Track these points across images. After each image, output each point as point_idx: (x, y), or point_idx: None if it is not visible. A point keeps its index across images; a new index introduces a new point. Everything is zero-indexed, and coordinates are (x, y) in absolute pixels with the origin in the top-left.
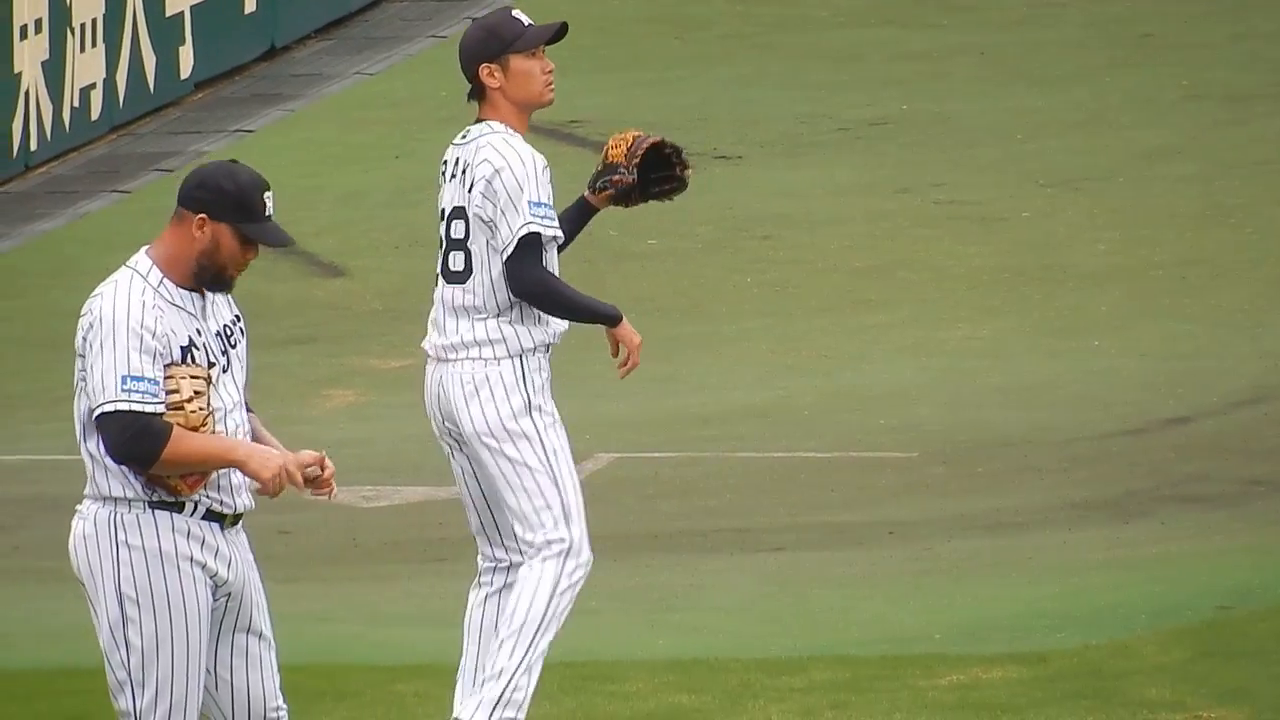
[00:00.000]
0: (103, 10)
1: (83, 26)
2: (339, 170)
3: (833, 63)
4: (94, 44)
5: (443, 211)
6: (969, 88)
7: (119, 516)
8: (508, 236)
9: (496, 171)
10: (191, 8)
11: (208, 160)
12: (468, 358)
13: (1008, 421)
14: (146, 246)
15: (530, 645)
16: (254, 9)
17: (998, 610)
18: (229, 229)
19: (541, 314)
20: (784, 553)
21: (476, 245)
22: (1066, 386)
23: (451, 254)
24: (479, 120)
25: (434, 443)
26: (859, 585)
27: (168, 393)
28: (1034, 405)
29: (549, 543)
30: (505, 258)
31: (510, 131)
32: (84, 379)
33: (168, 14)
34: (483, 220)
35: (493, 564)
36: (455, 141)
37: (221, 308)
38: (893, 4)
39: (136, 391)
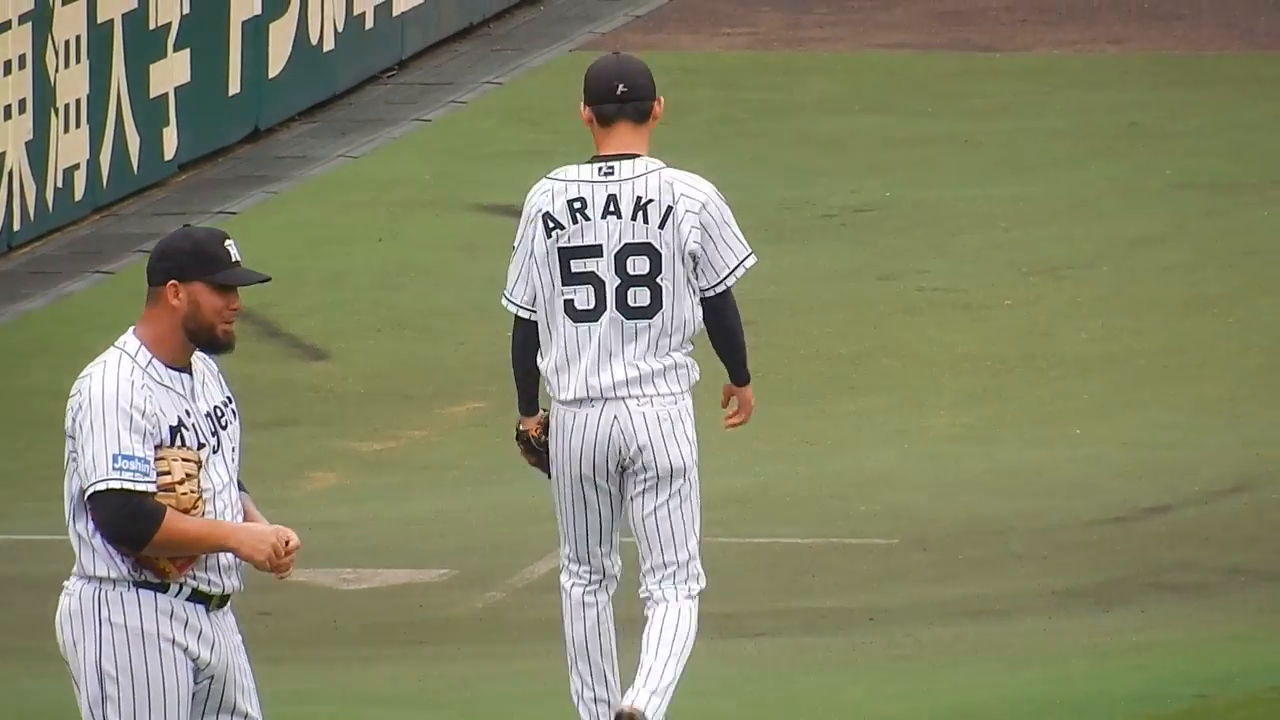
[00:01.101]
0: (87, 91)
1: (67, 107)
2: (323, 252)
3: (817, 149)
4: (78, 124)
5: (591, 248)
6: (953, 175)
7: (103, 594)
8: (724, 268)
9: (703, 205)
10: (176, 89)
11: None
12: (657, 394)
13: (989, 508)
14: (133, 327)
15: (684, 662)
16: (238, 90)
17: (978, 697)
18: (202, 285)
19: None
20: (765, 638)
21: (667, 280)
22: (1048, 474)
23: (632, 290)
24: (622, 155)
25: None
26: (840, 671)
27: (159, 473)
28: (1016, 492)
29: (698, 575)
30: (719, 290)
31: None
32: (74, 459)
33: (152, 95)
34: (683, 254)
35: (600, 579)
36: (582, 179)
37: (212, 389)
38: (877, 91)
39: (129, 470)
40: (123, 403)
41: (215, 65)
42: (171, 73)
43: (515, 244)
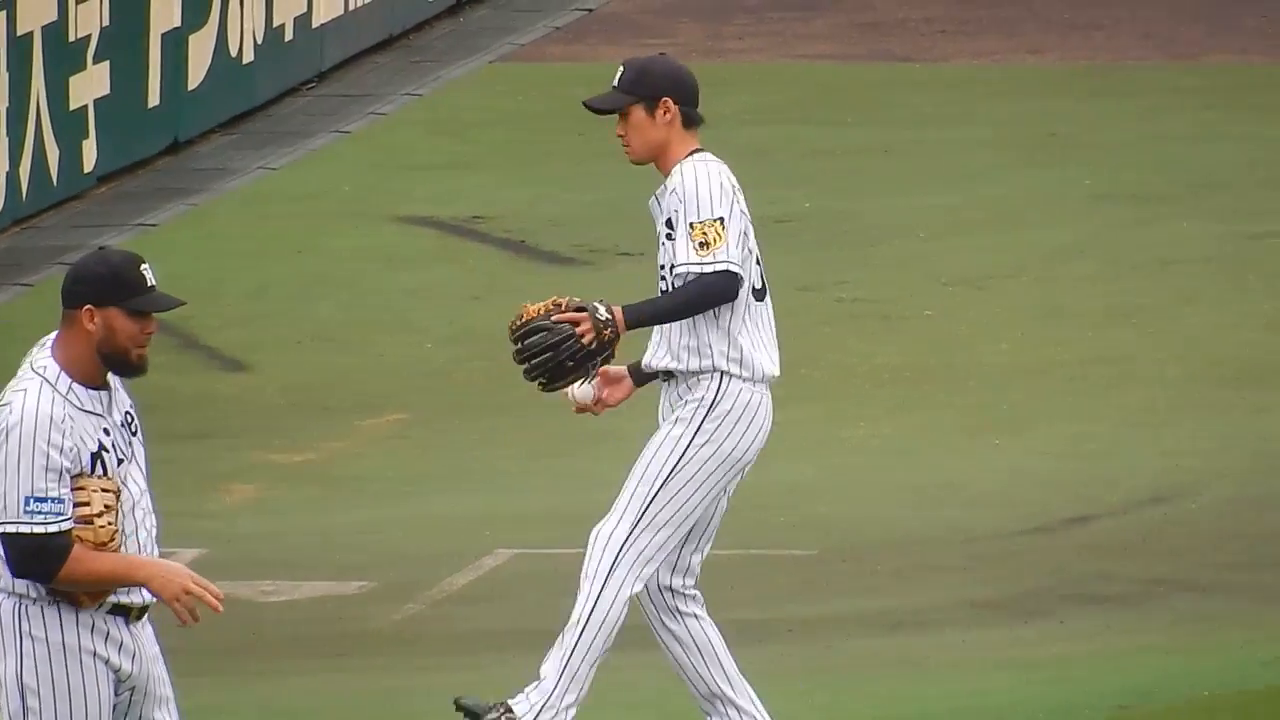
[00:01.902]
0: (6, 104)
1: None
2: (242, 264)
3: (738, 160)
4: None
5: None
6: (873, 186)
7: (24, 608)
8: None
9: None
10: (95, 101)
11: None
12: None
13: (909, 520)
14: (50, 348)
15: None
16: (158, 103)
17: (898, 710)
18: (117, 310)
19: None
20: None
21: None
22: (968, 485)
23: (761, 272)
24: (698, 151)
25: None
26: (758, 683)
27: (77, 504)
28: (936, 503)
29: None
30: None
31: None
32: None
33: (71, 107)
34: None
35: (695, 590)
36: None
37: (122, 396)
38: (799, 102)
39: (39, 513)
40: (40, 440)
41: (135, 77)
42: (91, 85)
43: (724, 212)
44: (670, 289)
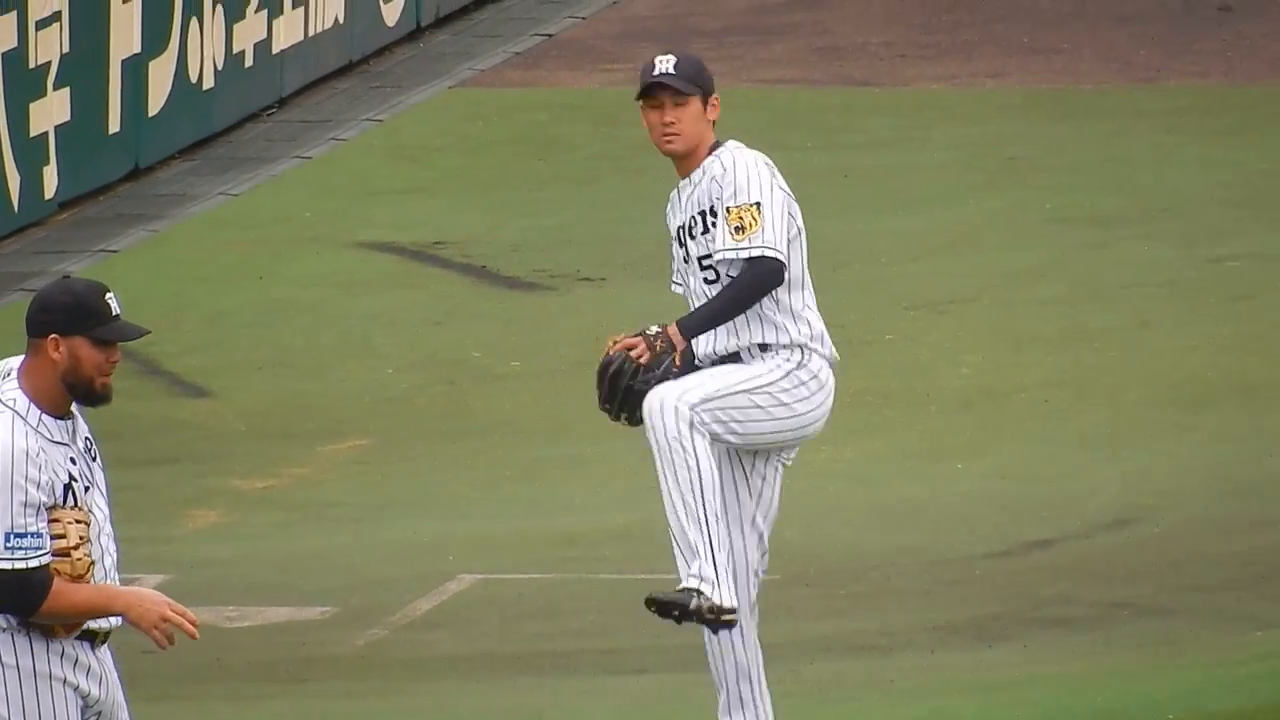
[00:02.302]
0: None
1: None
2: (203, 290)
3: None
4: None
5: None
6: (833, 210)
7: None
8: None
9: None
10: (56, 128)
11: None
12: None
13: (872, 543)
14: (15, 374)
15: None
16: (118, 129)
17: None
18: (82, 340)
19: None
20: (648, 674)
21: None
22: (930, 509)
23: None
24: (728, 140)
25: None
26: None
27: (54, 537)
28: (898, 527)
29: None
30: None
31: None
32: None
33: (32, 134)
34: None
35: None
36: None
37: (80, 422)
38: (757, 126)
39: (20, 549)
40: (17, 476)
41: (95, 104)
42: (51, 111)
43: (760, 197)
44: (715, 277)
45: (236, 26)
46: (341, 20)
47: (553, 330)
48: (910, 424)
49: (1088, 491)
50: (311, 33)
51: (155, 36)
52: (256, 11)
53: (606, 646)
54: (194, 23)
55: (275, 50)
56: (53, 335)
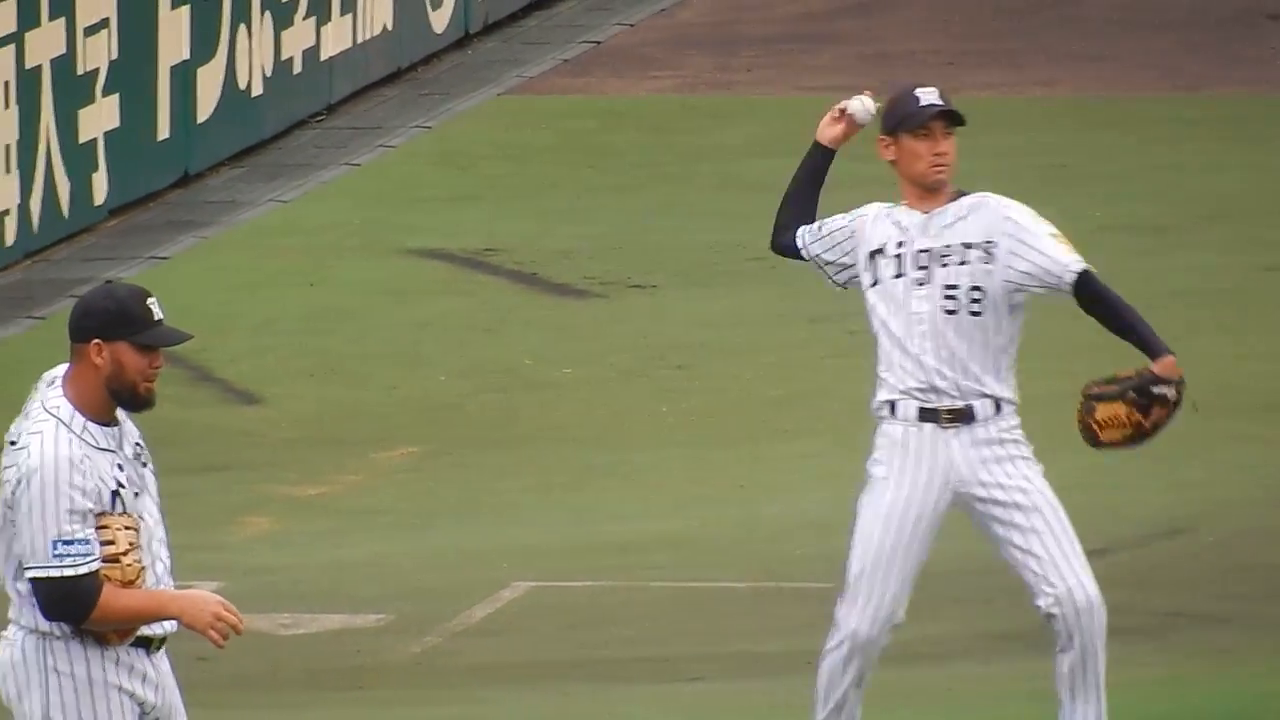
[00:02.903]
0: (16, 136)
1: None
2: (253, 297)
3: (746, 192)
4: (7, 170)
5: None
6: None
7: (49, 644)
8: None
9: None
10: (105, 134)
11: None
12: None
13: (931, 551)
14: (60, 382)
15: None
16: (168, 136)
17: None
18: (125, 345)
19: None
20: (702, 683)
21: None
22: None
23: None
24: None
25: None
26: (777, 715)
27: (103, 544)
28: (952, 535)
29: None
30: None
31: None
32: (13, 523)
33: (81, 141)
34: None
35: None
36: None
37: (130, 427)
38: (805, 134)
39: (68, 556)
40: (63, 484)
41: (144, 110)
42: (100, 118)
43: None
44: (956, 309)
45: (285, 33)
46: (390, 27)
47: (604, 337)
48: None
49: (1141, 501)
50: (360, 40)
51: (204, 43)
52: (305, 18)
53: (660, 654)
54: (242, 29)
55: (324, 57)
56: (95, 340)
